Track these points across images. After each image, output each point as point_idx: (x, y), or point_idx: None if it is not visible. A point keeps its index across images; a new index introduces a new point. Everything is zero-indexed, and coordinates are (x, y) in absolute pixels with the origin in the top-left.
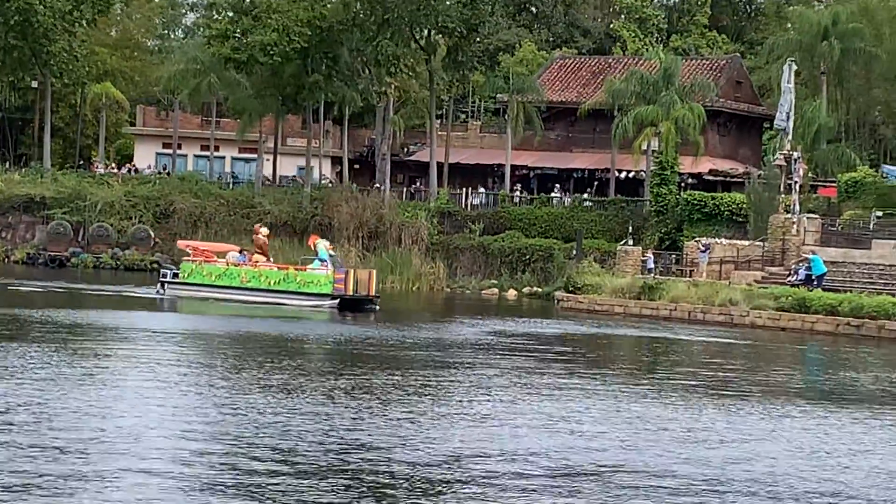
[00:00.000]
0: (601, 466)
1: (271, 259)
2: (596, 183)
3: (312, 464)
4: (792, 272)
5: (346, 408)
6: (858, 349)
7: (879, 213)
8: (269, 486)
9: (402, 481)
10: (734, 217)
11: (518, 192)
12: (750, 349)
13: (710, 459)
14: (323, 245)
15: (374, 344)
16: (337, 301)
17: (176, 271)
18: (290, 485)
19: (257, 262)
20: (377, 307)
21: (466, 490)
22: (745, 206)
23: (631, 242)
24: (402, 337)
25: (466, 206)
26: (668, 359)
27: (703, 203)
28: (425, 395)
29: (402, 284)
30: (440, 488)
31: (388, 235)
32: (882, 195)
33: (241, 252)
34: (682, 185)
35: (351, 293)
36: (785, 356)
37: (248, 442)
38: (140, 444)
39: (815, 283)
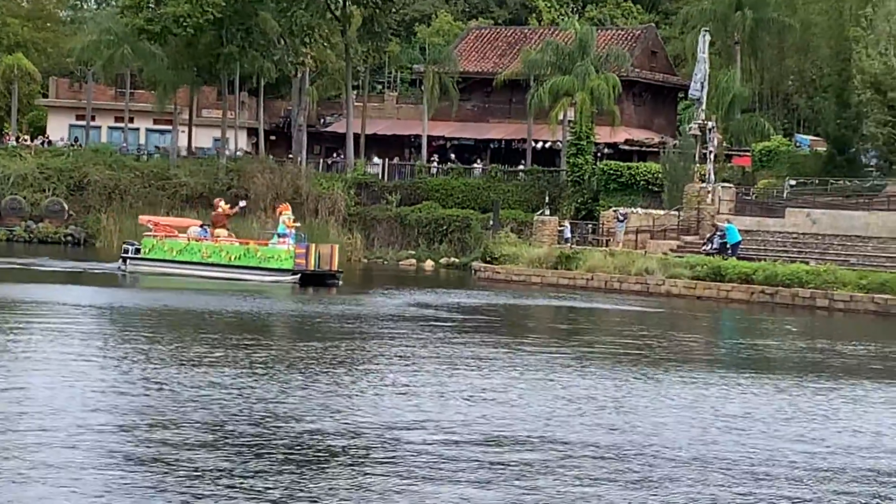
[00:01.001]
0: (529, 437)
1: (232, 234)
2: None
3: (238, 436)
4: (707, 241)
5: (270, 380)
6: (773, 317)
7: (793, 182)
8: (193, 460)
9: (330, 452)
10: (650, 187)
11: (435, 163)
12: (667, 318)
13: (638, 427)
14: (284, 219)
15: (296, 316)
16: (298, 276)
17: (138, 247)
18: (216, 457)
19: (218, 236)
20: (339, 282)
21: (395, 460)
22: (660, 175)
23: (548, 212)
24: (324, 309)
25: (382, 176)
26: (587, 328)
27: (619, 173)
28: (351, 367)
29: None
30: (370, 459)
31: (304, 207)
32: (795, 164)
33: (202, 227)
34: (599, 155)
35: (312, 268)
36: (701, 325)
37: (169, 415)
38: (58, 417)
39: (729, 251)
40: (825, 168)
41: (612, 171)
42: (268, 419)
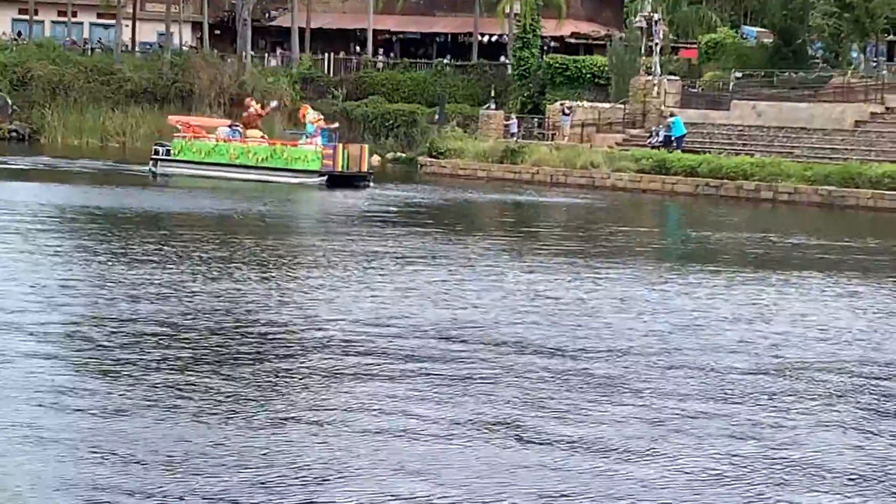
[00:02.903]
0: (483, 336)
1: (266, 135)
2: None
3: (182, 327)
4: (653, 134)
5: (226, 277)
6: (718, 209)
7: (738, 74)
8: (134, 356)
9: (282, 348)
10: (596, 80)
11: (381, 58)
12: (613, 211)
13: (596, 328)
14: (311, 118)
15: (249, 214)
16: (325, 178)
17: (168, 148)
18: (157, 350)
19: (250, 137)
20: (370, 184)
21: (346, 357)
22: (606, 69)
23: (493, 106)
24: (277, 208)
25: (328, 70)
26: (536, 224)
27: (565, 66)
28: (302, 265)
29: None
30: (319, 355)
31: None
32: (741, 56)
33: (230, 127)
34: (545, 48)
35: (340, 169)
36: (648, 218)
37: (110, 314)
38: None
39: (674, 144)
40: (771, 60)
41: (558, 65)
42: (222, 316)
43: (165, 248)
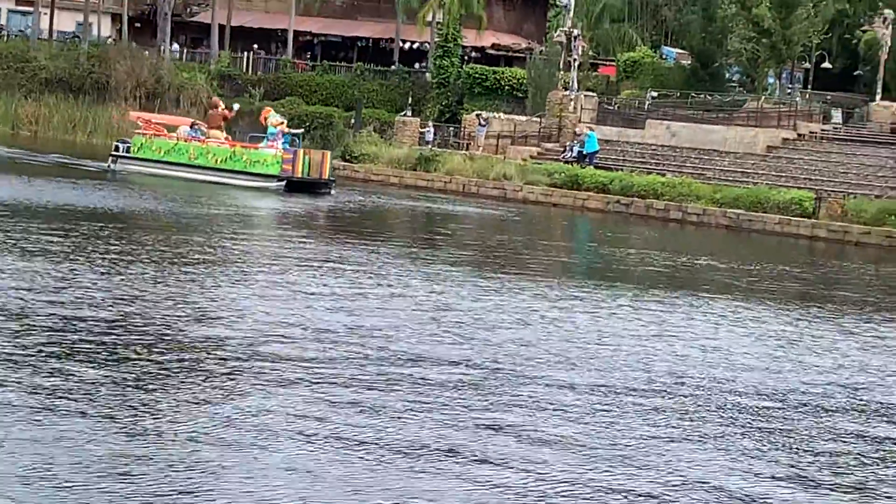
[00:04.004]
0: (389, 351)
1: (230, 137)
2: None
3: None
4: (567, 148)
5: (125, 277)
6: (626, 228)
7: (654, 94)
8: (49, 362)
9: (196, 354)
10: (514, 92)
11: (308, 63)
12: (524, 225)
13: (501, 344)
14: (273, 121)
15: (157, 213)
16: (283, 183)
17: (129, 145)
18: (69, 360)
19: (213, 138)
20: (332, 191)
21: (254, 361)
22: (525, 81)
23: (409, 113)
24: (187, 209)
25: (246, 69)
26: (447, 234)
27: (484, 77)
28: (202, 267)
29: None
30: (221, 360)
31: (166, 97)
32: (659, 76)
33: (192, 126)
34: (465, 58)
35: (300, 175)
36: (559, 233)
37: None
38: None
39: (586, 160)
40: (688, 81)
41: (477, 75)
42: (120, 321)
43: (62, 241)
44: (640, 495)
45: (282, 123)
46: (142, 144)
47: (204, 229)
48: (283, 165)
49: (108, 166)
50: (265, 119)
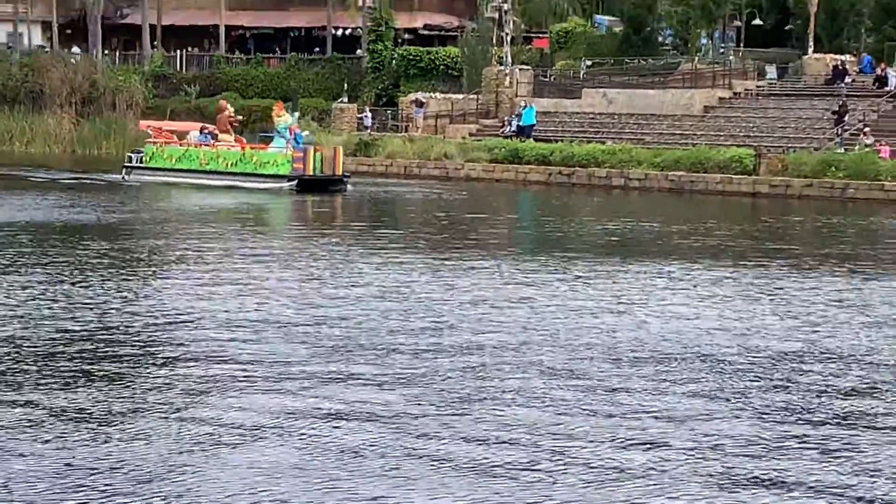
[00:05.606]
0: (339, 334)
1: (242, 139)
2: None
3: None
4: (505, 123)
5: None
6: (569, 198)
7: (589, 63)
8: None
9: (138, 351)
10: (449, 71)
11: (240, 56)
12: (467, 202)
13: (460, 325)
14: (284, 119)
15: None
16: (295, 182)
17: (141, 154)
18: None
19: (222, 142)
20: (348, 186)
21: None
22: (459, 60)
23: (346, 100)
24: (126, 209)
25: (181, 68)
26: (389, 217)
27: (418, 58)
28: (137, 268)
29: (118, 150)
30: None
31: (101, 101)
32: (592, 44)
33: (201, 131)
34: (399, 41)
35: (311, 173)
36: (503, 207)
37: None
38: None
39: (524, 133)
40: (621, 48)
41: (411, 57)
42: (66, 323)
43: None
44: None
45: (282, 117)
46: (154, 153)
47: (141, 231)
48: (294, 164)
49: (123, 178)
50: (277, 115)
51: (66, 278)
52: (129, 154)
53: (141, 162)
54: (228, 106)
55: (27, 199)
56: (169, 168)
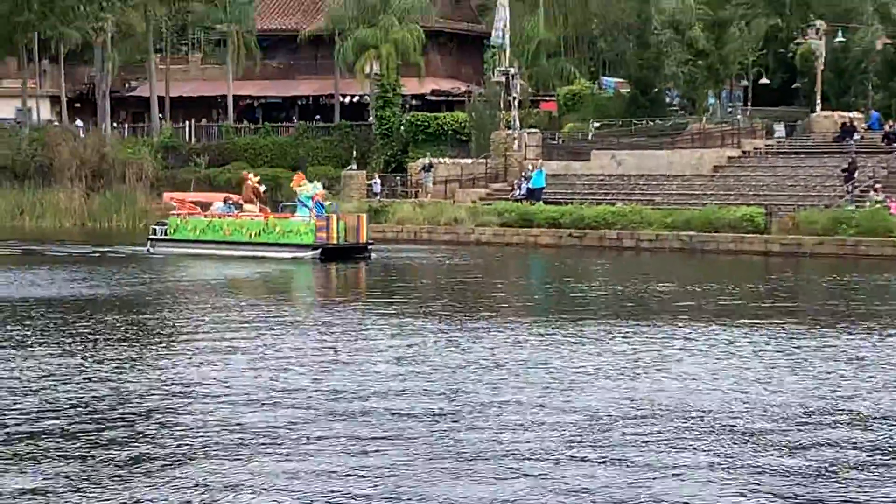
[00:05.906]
0: (354, 400)
1: (266, 209)
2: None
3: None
4: (515, 187)
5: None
6: (581, 260)
7: (597, 124)
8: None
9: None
10: (458, 136)
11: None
12: (479, 266)
13: (476, 390)
14: (306, 189)
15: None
16: (319, 251)
17: (165, 227)
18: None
19: (247, 212)
20: (372, 255)
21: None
22: (467, 124)
23: (355, 167)
24: (139, 280)
25: (189, 138)
26: (402, 284)
27: (426, 123)
28: (133, 339)
29: (129, 222)
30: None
31: (111, 173)
32: (600, 106)
33: (224, 202)
34: (407, 106)
35: (335, 241)
36: (515, 271)
37: None
38: None
39: (534, 196)
40: (629, 109)
41: (419, 123)
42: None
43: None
44: None
45: (303, 187)
46: (178, 225)
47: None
48: (318, 233)
49: (147, 250)
50: (297, 185)
51: (109, 352)
52: (154, 227)
53: (165, 234)
54: (251, 176)
55: (56, 273)
56: (193, 239)
